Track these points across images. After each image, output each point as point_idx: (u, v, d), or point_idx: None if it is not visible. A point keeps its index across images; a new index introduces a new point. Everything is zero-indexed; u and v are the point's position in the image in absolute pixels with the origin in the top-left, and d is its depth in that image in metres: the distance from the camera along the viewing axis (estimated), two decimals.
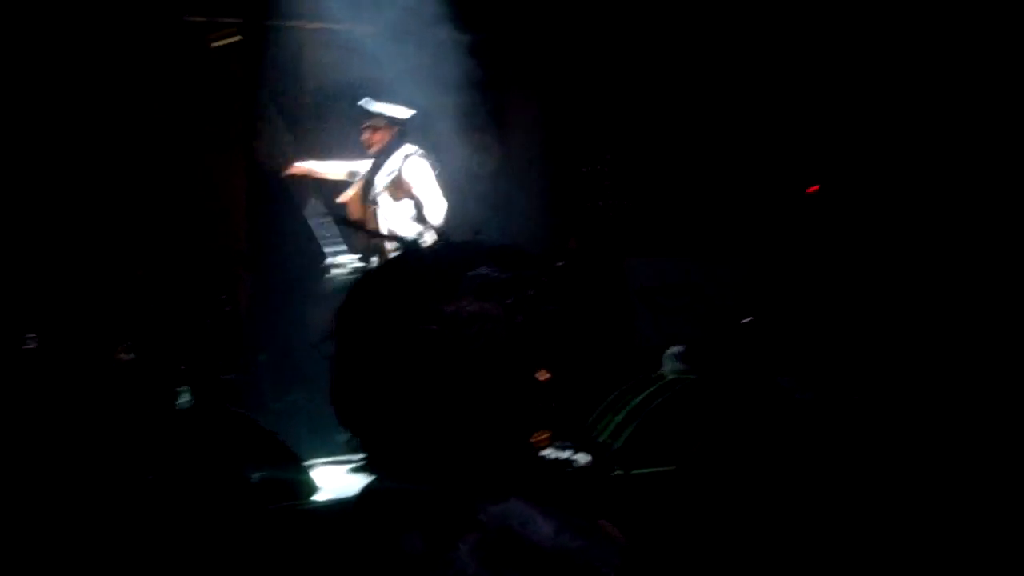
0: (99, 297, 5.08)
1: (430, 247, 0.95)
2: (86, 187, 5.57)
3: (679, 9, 6.23)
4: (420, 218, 4.72)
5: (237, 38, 5.57)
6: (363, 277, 1.03)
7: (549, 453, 3.94)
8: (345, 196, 4.93)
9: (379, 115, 4.84)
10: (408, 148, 4.82)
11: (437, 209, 4.70)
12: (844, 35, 5.97)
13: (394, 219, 4.74)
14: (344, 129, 5.98)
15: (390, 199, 4.77)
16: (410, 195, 4.74)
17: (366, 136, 4.86)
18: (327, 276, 4.85)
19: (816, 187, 6.56)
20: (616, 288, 5.98)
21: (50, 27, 5.42)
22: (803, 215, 6.37)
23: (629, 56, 6.39)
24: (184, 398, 3.96)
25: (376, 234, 4.63)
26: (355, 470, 4.00)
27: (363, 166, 4.94)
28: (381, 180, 4.79)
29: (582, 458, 3.93)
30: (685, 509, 3.01)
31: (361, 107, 4.86)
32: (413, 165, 4.77)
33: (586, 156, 6.39)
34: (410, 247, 1.04)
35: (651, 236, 6.48)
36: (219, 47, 6.00)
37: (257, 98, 6.13)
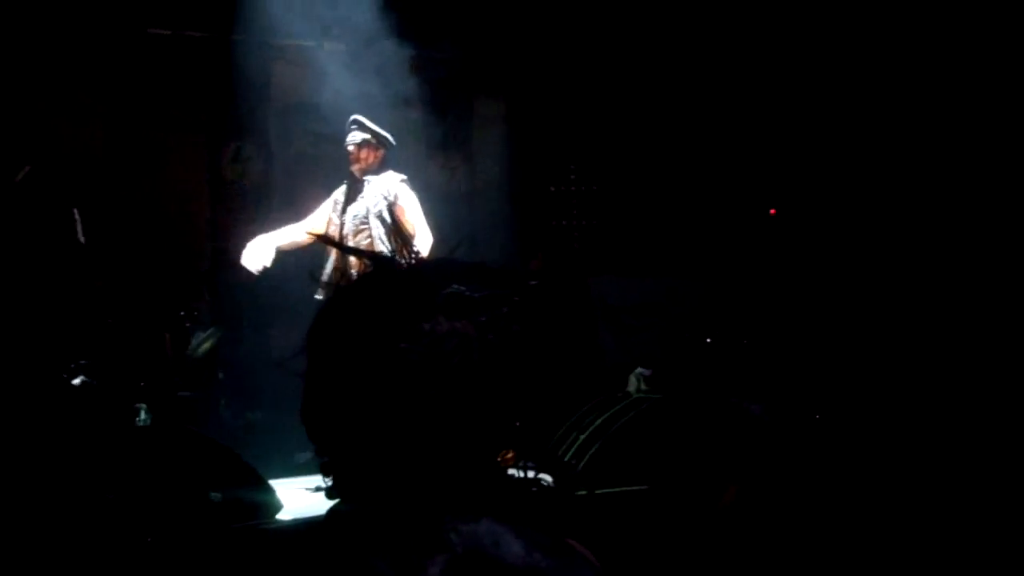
0: (57, 310, 4.96)
1: (403, 264, 0.95)
2: (44, 197, 5.44)
3: (644, 31, 6.32)
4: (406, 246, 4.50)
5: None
6: (337, 293, 1.01)
7: (513, 472, 3.93)
8: (316, 227, 4.65)
9: (374, 133, 4.63)
10: (397, 174, 4.64)
11: (426, 240, 4.53)
12: (805, 60, 6.11)
13: (383, 245, 4.53)
14: (308, 145, 5.96)
15: (380, 225, 4.53)
16: (400, 223, 4.53)
17: (355, 153, 4.61)
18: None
19: (774, 210, 6.70)
20: (581, 307, 6.01)
21: (17, 37, 5.33)
22: (764, 236, 6.49)
23: (596, 78, 6.47)
24: (142, 416, 3.88)
25: (354, 251, 4.52)
26: (317, 489, 3.95)
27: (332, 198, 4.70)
28: (372, 203, 4.55)
29: (546, 478, 3.93)
30: (650, 529, 3.01)
31: (357, 121, 4.63)
32: (407, 192, 4.58)
33: (553, 176, 6.43)
34: (383, 264, 1.03)
35: (617, 256, 6.54)
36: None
37: (222, 113, 6.07)
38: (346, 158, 4.70)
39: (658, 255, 6.42)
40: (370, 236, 4.54)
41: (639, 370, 4.77)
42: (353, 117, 4.65)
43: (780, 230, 6.56)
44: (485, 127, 6.62)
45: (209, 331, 5.26)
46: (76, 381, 4.18)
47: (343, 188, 4.69)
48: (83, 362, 4.29)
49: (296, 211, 6.11)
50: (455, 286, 0.95)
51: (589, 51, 6.38)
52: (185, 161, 5.98)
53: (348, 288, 0.99)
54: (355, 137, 4.61)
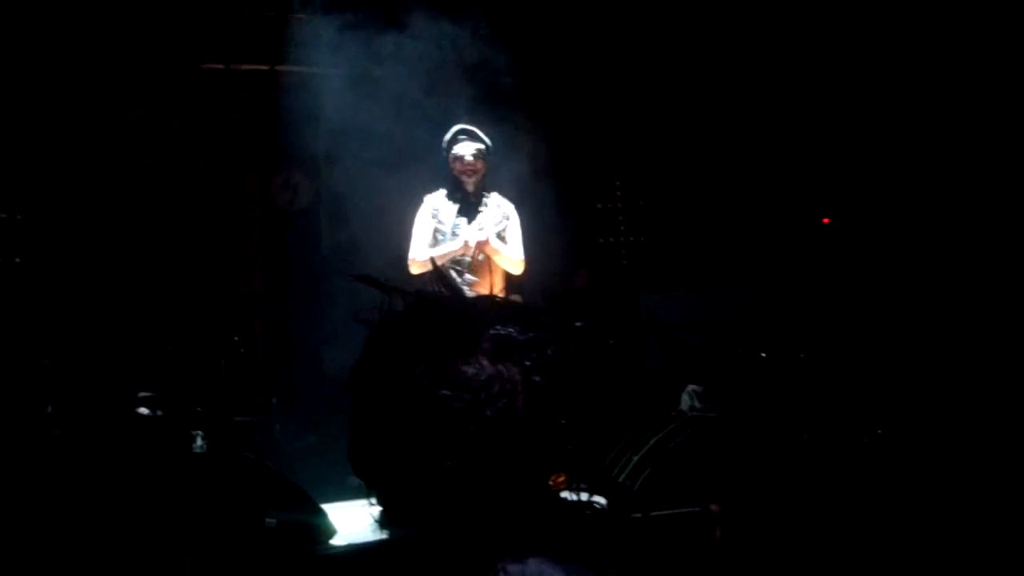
0: (117, 341, 5.10)
1: (446, 302, 0.93)
2: (105, 233, 5.63)
3: (691, 46, 6.28)
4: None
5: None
6: (380, 331, 1.00)
7: (566, 496, 3.88)
8: (427, 251, 4.20)
9: (486, 145, 4.26)
10: (498, 194, 4.33)
11: (522, 266, 4.27)
12: (860, 67, 5.98)
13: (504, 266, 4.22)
14: (356, 170, 6.03)
15: (501, 245, 4.20)
16: (503, 243, 4.22)
17: (473, 164, 4.19)
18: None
19: (828, 219, 6.54)
20: (631, 324, 5.95)
21: (73, 76, 5.54)
22: (818, 246, 6.34)
23: (639, 93, 6.43)
24: (198, 442, 3.94)
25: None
26: (370, 516, 3.94)
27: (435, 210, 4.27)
28: (494, 221, 4.21)
29: (600, 500, 3.86)
30: (706, 552, 2.94)
31: (467, 131, 4.26)
32: (515, 213, 4.29)
33: (600, 193, 6.39)
34: (426, 303, 1.01)
35: (667, 271, 6.46)
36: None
37: (272, 142, 6.21)
38: (433, 173, 4.42)
39: (709, 269, 6.32)
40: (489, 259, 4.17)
41: (691, 387, 4.68)
42: (461, 127, 4.29)
43: (834, 239, 6.40)
44: (529, 147, 6.62)
45: None
46: (142, 411, 4.28)
47: (449, 206, 4.27)
48: (148, 394, 4.39)
49: (348, 235, 6.21)
50: (499, 327, 0.93)
51: (631, 66, 6.35)
52: (237, 190, 6.12)
53: (390, 326, 0.98)
54: (469, 148, 4.22)
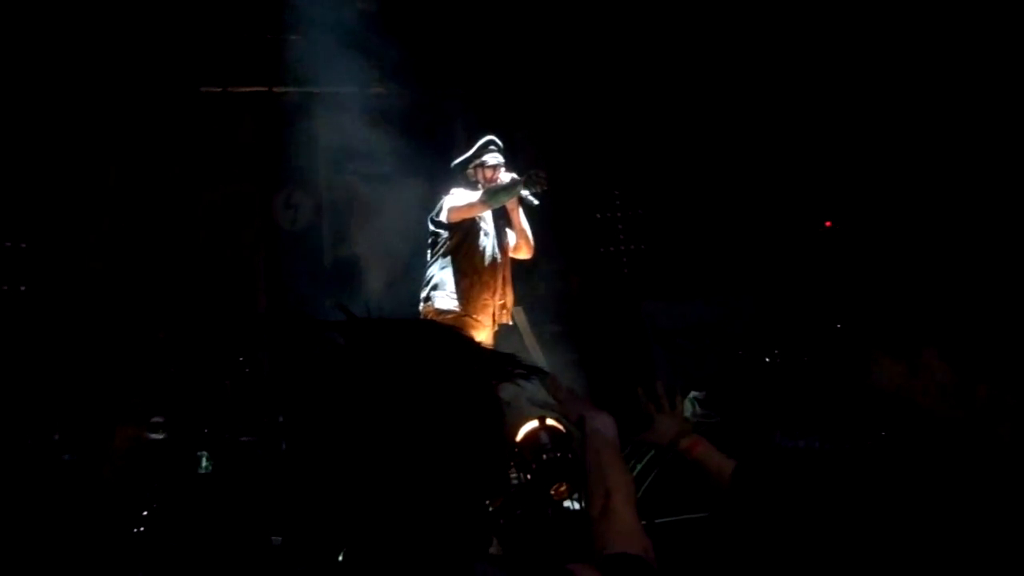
0: (122, 360, 5.13)
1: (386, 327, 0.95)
2: (108, 257, 5.67)
3: (687, 53, 6.30)
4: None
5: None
6: (320, 364, 1.03)
7: (568, 505, 3.89)
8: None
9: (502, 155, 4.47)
10: None
11: (531, 245, 4.57)
12: (859, 71, 5.99)
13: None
14: (356, 186, 6.06)
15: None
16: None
17: (498, 173, 4.39)
18: None
19: (829, 222, 6.54)
20: (634, 331, 5.95)
21: (74, 101, 5.61)
22: (819, 250, 6.34)
23: (633, 101, 6.46)
24: (203, 463, 3.97)
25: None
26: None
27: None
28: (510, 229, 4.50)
29: None
30: (710, 559, 2.94)
31: (495, 142, 4.45)
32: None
33: (597, 202, 6.42)
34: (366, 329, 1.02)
35: (668, 279, 6.48)
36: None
37: (271, 162, 6.26)
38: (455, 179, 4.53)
39: (710, 275, 6.33)
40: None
41: (693, 393, 4.68)
42: (491, 138, 4.48)
43: (836, 242, 6.40)
44: (528, 157, 6.67)
45: None
46: (157, 437, 4.31)
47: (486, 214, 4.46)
48: (160, 419, 4.43)
49: (349, 251, 6.25)
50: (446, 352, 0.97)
51: (624, 74, 6.38)
52: (238, 210, 6.16)
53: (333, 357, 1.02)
54: (497, 158, 4.42)
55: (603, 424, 1.44)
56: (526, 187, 4.08)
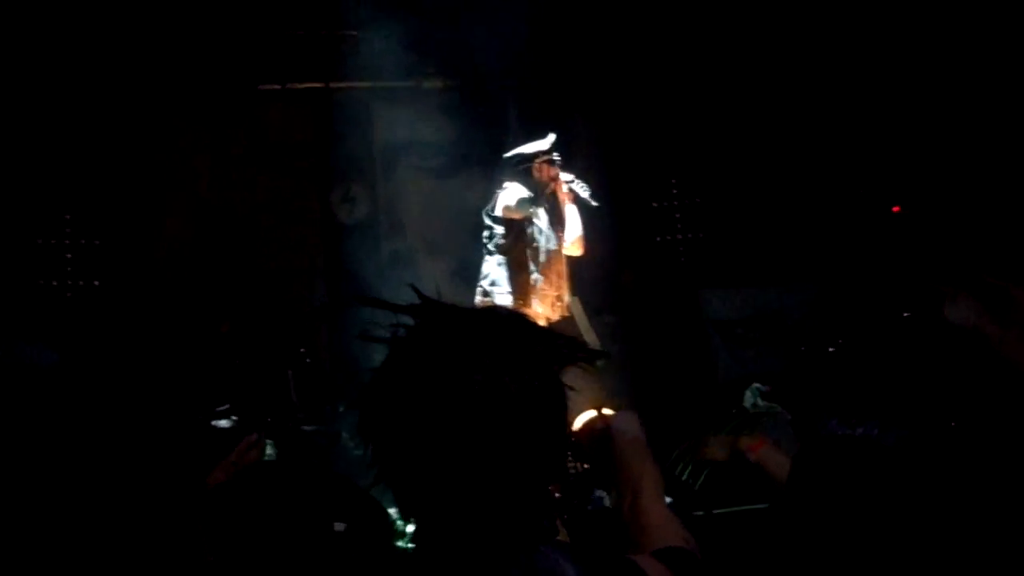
0: (187, 355, 5.29)
1: (457, 314, 0.95)
2: (175, 254, 5.85)
3: (742, 40, 6.17)
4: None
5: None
6: (395, 348, 1.04)
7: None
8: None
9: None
10: None
11: (582, 241, 4.68)
12: (921, 58, 5.78)
13: None
14: (411, 181, 6.12)
15: None
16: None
17: (559, 172, 4.50)
18: None
19: (898, 207, 6.33)
20: (692, 322, 5.88)
21: (137, 103, 5.78)
22: (888, 236, 6.14)
23: (690, 88, 6.36)
24: (268, 451, 4.06)
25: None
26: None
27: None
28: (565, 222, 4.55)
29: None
30: (770, 550, 2.89)
31: (552, 143, 4.53)
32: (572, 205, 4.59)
33: (654, 191, 6.34)
34: (430, 320, 1.03)
35: (727, 267, 6.37)
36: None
37: (329, 157, 6.36)
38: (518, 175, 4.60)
39: (771, 264, 6.19)
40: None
41: (755, 385, 4.60)
42: (554, 136, 4.55)
43: (906, 228, 6.19)
44: (583, 148, 6.63)
45: None
46: (224, 424, 4.43)
47: (539, 209, 4.54)
48: (227, 407, 4.55)
49: (405, 244, 6.32)
50: (497, 340, 0.97)
51: (682, 61, 6.29)
52: (297, 205, 6.29)
53: (407, 341, 1.02)
54: (559, 157, 4.54)
55: (625, 422, 1.44)
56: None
